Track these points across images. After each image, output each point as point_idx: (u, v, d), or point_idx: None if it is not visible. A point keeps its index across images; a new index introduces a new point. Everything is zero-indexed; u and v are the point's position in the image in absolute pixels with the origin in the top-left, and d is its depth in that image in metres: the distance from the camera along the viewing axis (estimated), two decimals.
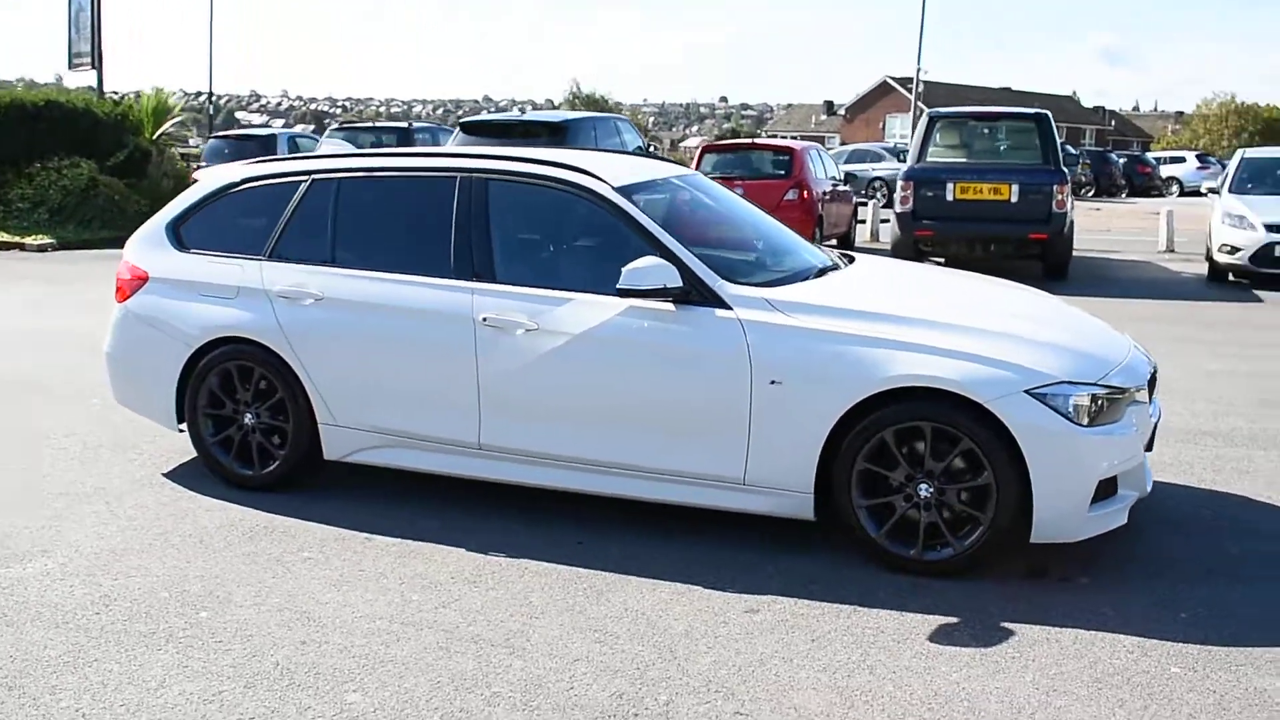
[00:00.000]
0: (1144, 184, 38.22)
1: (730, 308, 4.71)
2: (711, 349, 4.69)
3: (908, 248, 13.47)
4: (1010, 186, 13.11)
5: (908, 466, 4.48)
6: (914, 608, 4.24)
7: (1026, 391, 4.32)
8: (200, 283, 5.60)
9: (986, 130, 14.20)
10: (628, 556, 4.74)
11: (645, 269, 4.69)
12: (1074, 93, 73.73)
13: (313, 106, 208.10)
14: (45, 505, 5.38)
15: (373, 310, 5.24)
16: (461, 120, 15.08)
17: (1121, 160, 39.64)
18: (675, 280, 4.70)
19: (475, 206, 5.19)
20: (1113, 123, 73.06)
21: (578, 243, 5.37)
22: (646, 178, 5.46)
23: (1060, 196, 13.01)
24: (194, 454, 5.94)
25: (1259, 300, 12.29)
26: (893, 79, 65.67)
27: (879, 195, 25.71)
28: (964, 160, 13.79)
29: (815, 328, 4.60)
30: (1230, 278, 13.53)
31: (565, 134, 13.74)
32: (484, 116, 16.68)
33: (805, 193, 14.92)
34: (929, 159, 13.67)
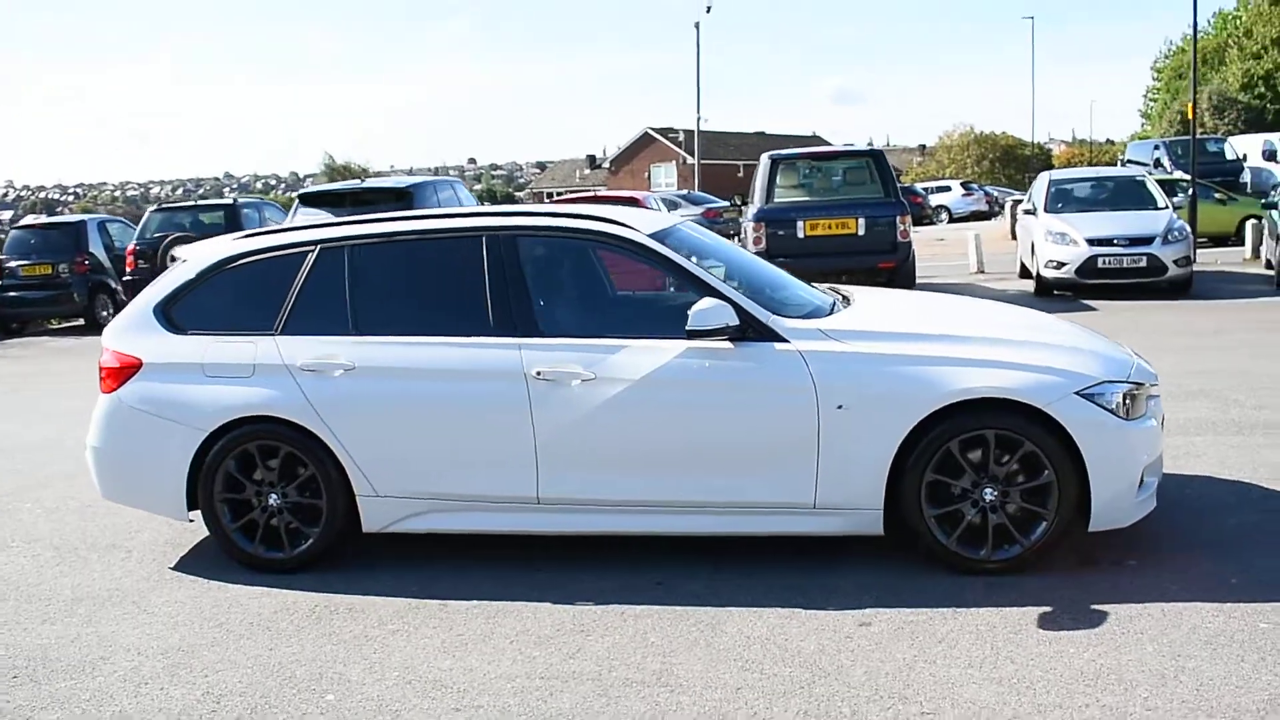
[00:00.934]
0: (916, 214, 40.92)
1: (787, 340, 4.94)
2: (776, 381, 4.90)
3: None
4: (857, 220, 13.94)
5: (973, 474, 4.81)
6: (1005, 603, 4.55)
7: (1077, 393, 4.74)
8: (209, 364, 5.37)
9: (824, 169, 15.05)
10: (710, 591, 4.86)
11: (709, 310, 4.86)
12: (813, 133, 78.14)
13: (42, 195, 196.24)
14: (68, 613, 5.01)
15: (412, 375, 5.18)
16: (301, 192, 14.80)
17: None
18: (734, 319, 4.90)
19: (508, 263, 5.23)
20: None
21: (620, 292, 5.49)
22: (666, 225, 5.64)
23: (903, 227, 13.95)
24: (188, 546, 5.68)
25: (1093, 309, 13.49)
26: (653, 130, 67.82)
27: None
28: (809, 199, 14.56)
29: (874, 352, 4.89)
30: (1055, 291, 14.78)
31: (410, 198, 13.74)
32: (325, 186, 16.37)
33: None
34: (776, 199, 14.36)
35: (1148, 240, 14.24)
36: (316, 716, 3.92)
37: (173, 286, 5.60)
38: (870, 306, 5.64)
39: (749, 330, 4.95)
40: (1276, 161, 27.92)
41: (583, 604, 4.80)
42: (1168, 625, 4.26)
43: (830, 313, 5.33)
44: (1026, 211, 16.16)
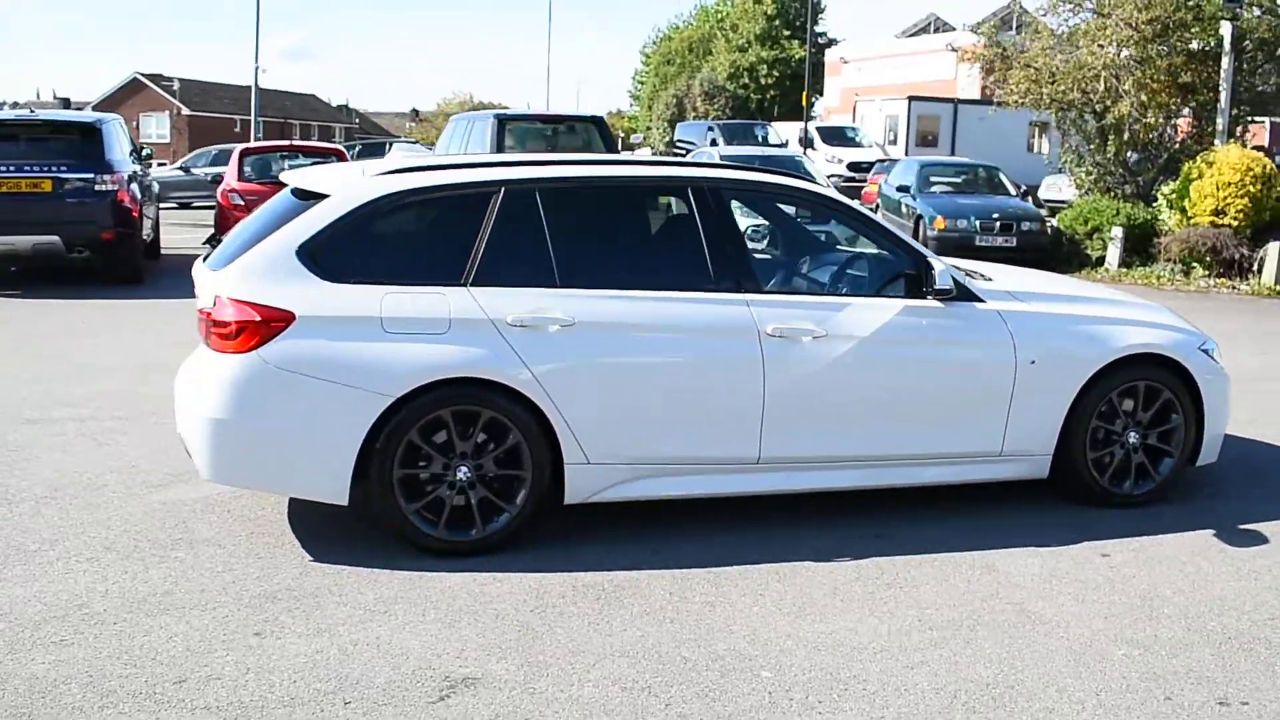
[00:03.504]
0: None
1: (984, 301, 5.30)
2: (984, 338, 5.26)
3: None
4: None
5: (1124, 420, 5.51)
6: (1176, 529, 5.29)
7: (1200, 349, 5.61)
8: (390, 318, 4.61)
9: (551, 132, 15.04)
10: (929, 540, 5.09)
11: (943, 272, 5.10)
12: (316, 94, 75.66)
13: None
14: (239, 612, 4.11)
15: (637, 331, 4.85)
16: None
17: None
18: (957, 280, 5.18)
19: (720, 216, 5.05)
20: (357, 120, 76.36)
21: (821, 250, 5.47)
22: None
23: None
24: (284, 534, 4.85)
25: None
26: (143, 75, 61.44)
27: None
28: None
29: (1054, 312, 5.42)
30: None
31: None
32: None
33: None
34: None
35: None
36: (784, 691, 3.70)
37: (318, 226, 4.70)
38: (1012, 276, 6.10)
39: (954, 291, 5.25)
40: (814, 148, 32.00)
41: (840, 560, 4.84)
42: None
43: (989, 280, 5.74)
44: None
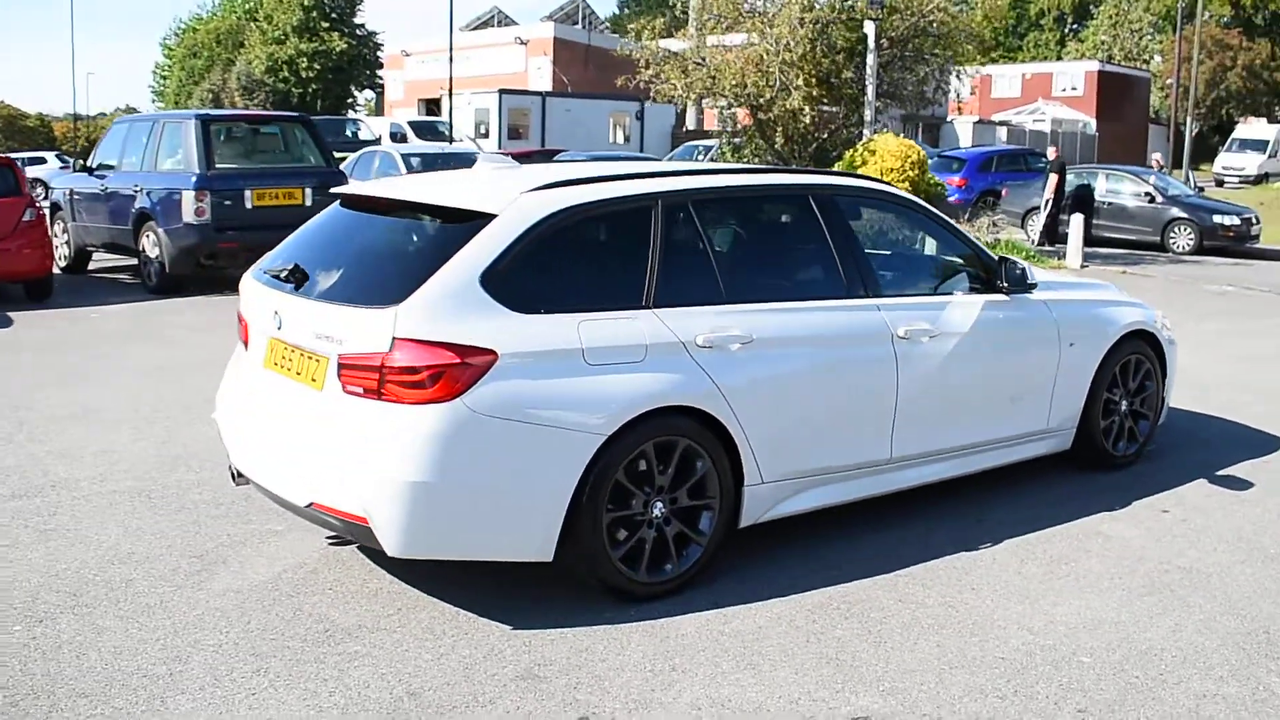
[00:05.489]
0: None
1: (1031, 292, 5.72)
2: (1040, 326, 5.69)
3: (191, 262, 12.62)
4: (304, 190, 13.13)
5: (1122, 389, 6.18)
6: (1181, 481, 6.05)
7: (1160, 324, 6.41)
8: (590, 349, 4.18)
9: (254, 133, 13.65)
10: (1019, 521, 5.43)
11: (1026, 268, 5.45)
12: None
13: None
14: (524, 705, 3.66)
15: (800, 343, 4.76)
16: None
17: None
18: (1020, 274, 5.56)
19: (840, 223, 5.07)
20: None
21: (912, 250, 5.56)
22: None
23: None
24: (418, 594, 4.35)
25: None
26: None
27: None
28: (252, 165, 13.19)
29: (1076, 299, 5.97)
30: None
31: None
32: None
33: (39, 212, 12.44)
34: (218, 165, 12.76)
35: None
36: (1112, 676, 3.88)
37: (495, 251, 4.15)
38: None
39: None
40: (405, 140, 31.44)
41: (983, 547, 5.06)
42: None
43: None
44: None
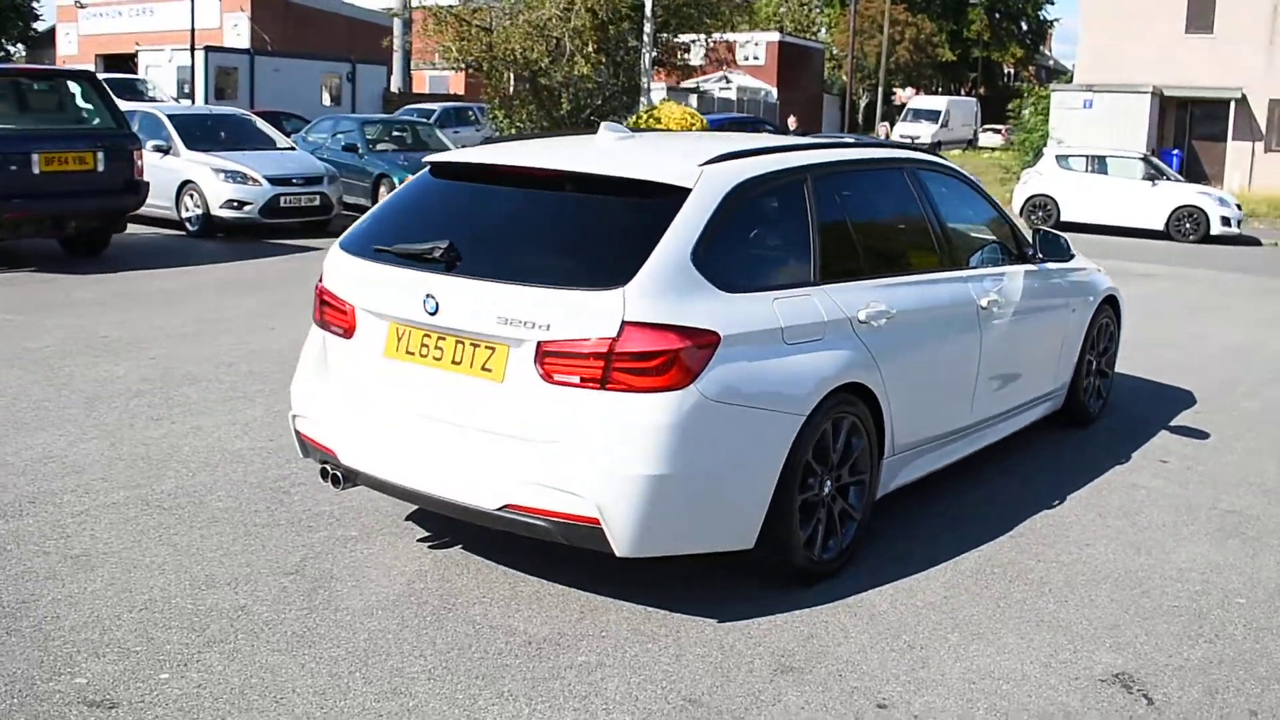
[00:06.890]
0: None
1: (1041, 263, 6.05)
2: (1057, 293, 6.06)
3: None
4: (94, 154, 11.74)
5: (1097, 348, 6.66)
6: (1145, 438, 6.63)
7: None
8: (788, 328, 4.06)
9: (30, 89, 11.91)
10: (1059, 482, 5.75)
11: (1047, 233, 5.79)
12: None
13: None
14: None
15: (924, 316, 4.84)
16: None
17: None
18: (1050, 244, 5.88)
19: (926, 196, 5.16)
20: None
21: (978, 222, 5.71)
22: None
23: (140, 163, 12.19)
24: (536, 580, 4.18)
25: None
26: None
27: None
28: (37, 126, 11.57)
29: (1065, 267, 6.34)
30: (222, 234, 14.46)
31: None
32: None
33: None
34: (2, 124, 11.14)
35: (319, 180, 15.04)
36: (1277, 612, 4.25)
37: (698, 228, 3.92)
38: None
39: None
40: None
41: (1056, 505, 5.35)
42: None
43: None
44: (158, 148, 14.89)
